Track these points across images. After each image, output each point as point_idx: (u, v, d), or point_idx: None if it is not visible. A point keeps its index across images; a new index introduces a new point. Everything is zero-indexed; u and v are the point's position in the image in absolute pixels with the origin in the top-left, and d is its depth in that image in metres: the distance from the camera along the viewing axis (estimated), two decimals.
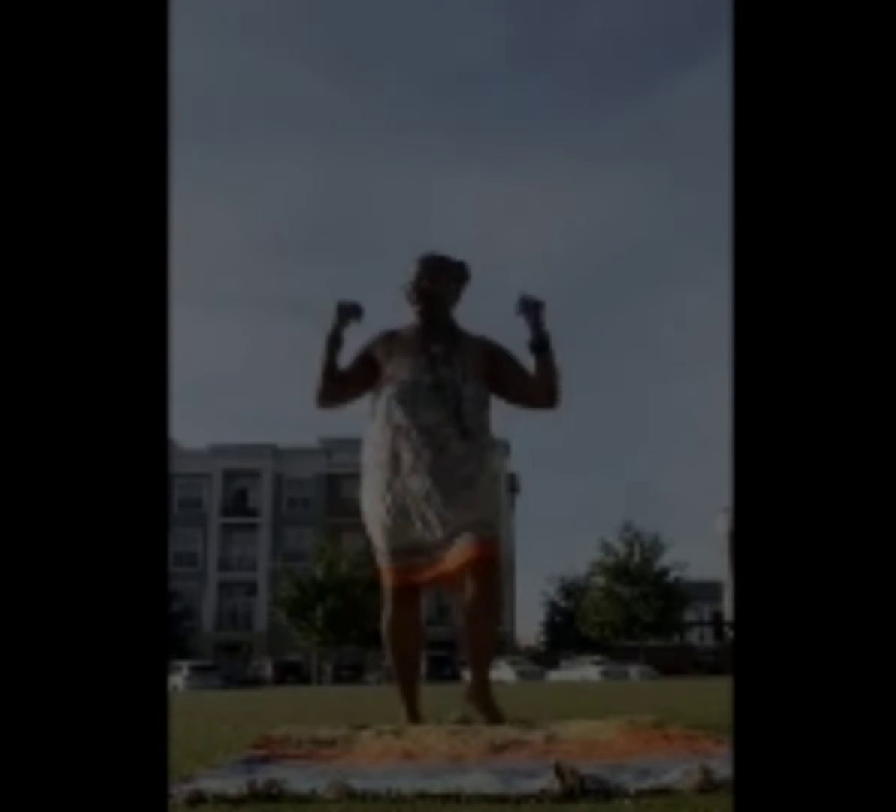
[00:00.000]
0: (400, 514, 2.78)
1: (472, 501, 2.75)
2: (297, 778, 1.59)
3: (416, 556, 2.77)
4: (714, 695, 6.52)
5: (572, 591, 42.91)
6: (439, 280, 3.00)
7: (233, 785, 1.51)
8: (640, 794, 1.42)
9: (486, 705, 2.79)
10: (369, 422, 2.94)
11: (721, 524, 47.02)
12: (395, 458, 2.81)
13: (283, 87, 76.21)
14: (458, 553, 2.70)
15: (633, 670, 33.15)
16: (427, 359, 2.90)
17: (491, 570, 2.75)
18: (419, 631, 2.95)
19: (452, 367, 2.89)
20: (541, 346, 2.89)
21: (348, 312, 2.97)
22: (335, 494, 46.29)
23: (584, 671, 33.76)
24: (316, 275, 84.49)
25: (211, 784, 1.54)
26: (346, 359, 3.01)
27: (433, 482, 2.74)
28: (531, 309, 2.90)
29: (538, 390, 2.91)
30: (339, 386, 2.96)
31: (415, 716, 2.88)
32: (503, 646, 40.82)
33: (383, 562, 2.85)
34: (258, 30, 77.16)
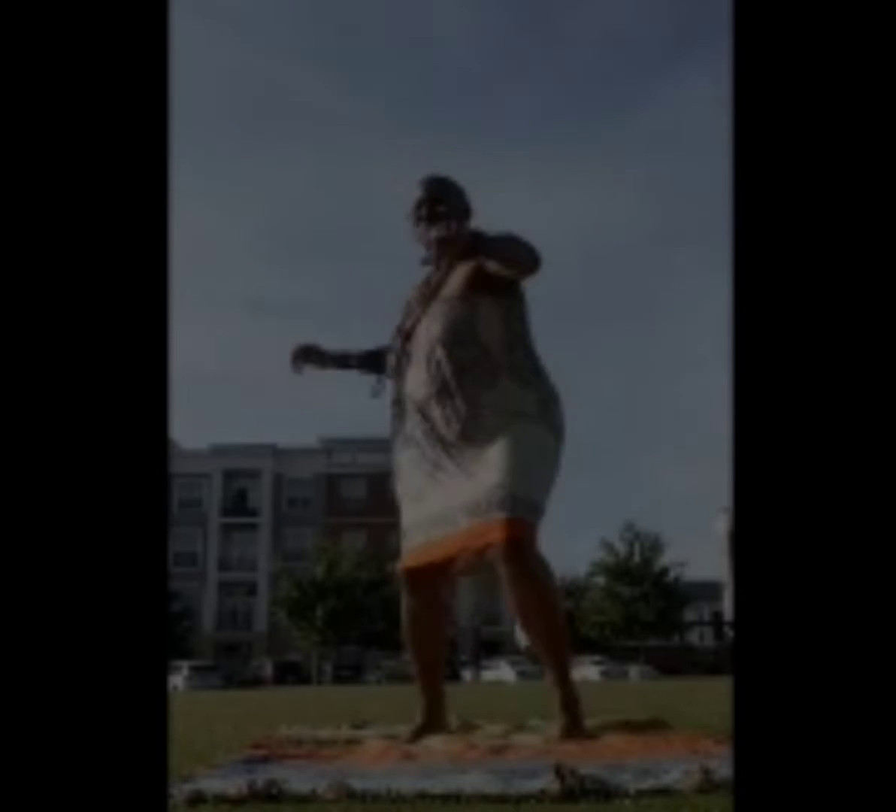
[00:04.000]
0: (403, 493, 2.55)
1: (483, 466, 2.36)
2: (297, 778, 1.59)
3: (416, 538, 2.46)
4: (714, 695, 6.52)
5: (572, 591, 42.90)
6: (449, 201, 2.62)
7: (233, 785, 1.51)
8: (640, 794, 1.42)
9: (575, 715, 2.28)
10: None
11: (721, 524, 47.01)
12: (398, 433, 2.59)
13: (282, 87, 76.26)
14: (468, 535, 2.31)
15: (633, 670, 33.14)
16: (412, 314, 2.60)
17: (522, 554, 2.27)
18: (436, 626, 2.53)
19: (430, 309, 2.55)
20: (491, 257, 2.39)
21: (302, 359, 2.75)
22: (335, 494, 46.29)
23: (585, 671, 33.75)
24: (316, 275, 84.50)
25: (211, 784, 1.54)
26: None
27: (424, 455, 2.49)
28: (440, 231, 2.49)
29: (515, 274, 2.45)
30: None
31: (435, 719, 2.48)
32: (501, 646, 40.77)
33: (404, 541, 2.53)
34: (258, 29, 77.20)
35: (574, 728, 2.25)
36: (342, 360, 2.78)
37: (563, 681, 2.32)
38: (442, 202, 2.59)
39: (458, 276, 2.52)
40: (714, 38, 68.92)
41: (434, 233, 2.54)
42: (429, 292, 2.57)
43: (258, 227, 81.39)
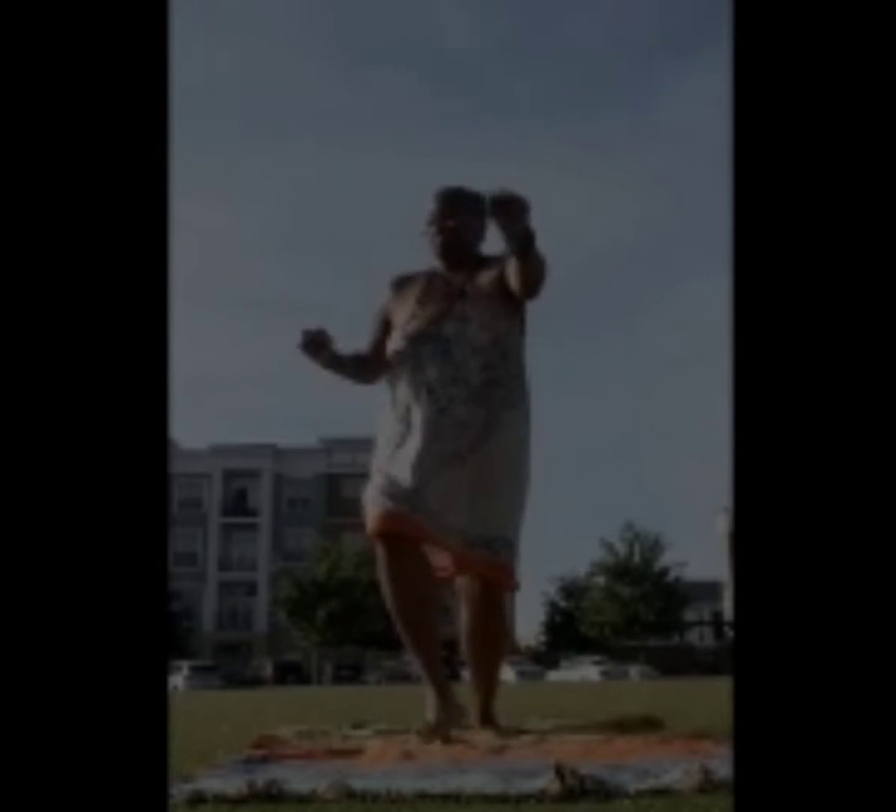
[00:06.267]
0: (401, 467, 2.44)
1: (492, 490, 2.45)
2: (297, 778, 1.59)
3: (413, 510, 2.39)
4: (714, 695, 6.52)
5: (572, 591, 42.90)
6: (459, 214, 2.62)
7: (233, 785, 1.51)
8: (640, 794, 1.42)
9: (491, 717, 2.63)
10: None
11: (721, 524, 47.01)
12: (403, 416, 2.51)
13: (283, 85, 76.27)
14: (479, 563, 2.49)
15: (633, 670, 33.16)
16: (434, 305, 2.56)
17: (506, 595, 2.65)
18: (426, 583, 2.45)
19: (465, 310, 2.53)
20: (523, 248, 2.28)
21: (315, 344, 2.57)
22: (335, 494, 46.25)
23: (584, 671, 33.77)
24: (317, 274, 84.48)
25: (211, 784, 1.54)
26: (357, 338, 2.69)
27: (427, 447, 2.43)
28: (503, 208, 2.19)
29: (518, 287, 2.44)
30: (372, 364, 2.66)
31: (450, 706, 2.36)
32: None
33: (373, 505, 2.42)
34: (258, 27, 77.22)
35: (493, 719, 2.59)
36: (336, 361, 2.65)
37: (493, 691, 2.67)
38: (449, 215, 2.61)
39: (489, 285, 2.56)
40: (717, 33, 68.97)
41: (436, 249, 2.60)
42: (451, 292, 2.58)
43: (260, 225, 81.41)
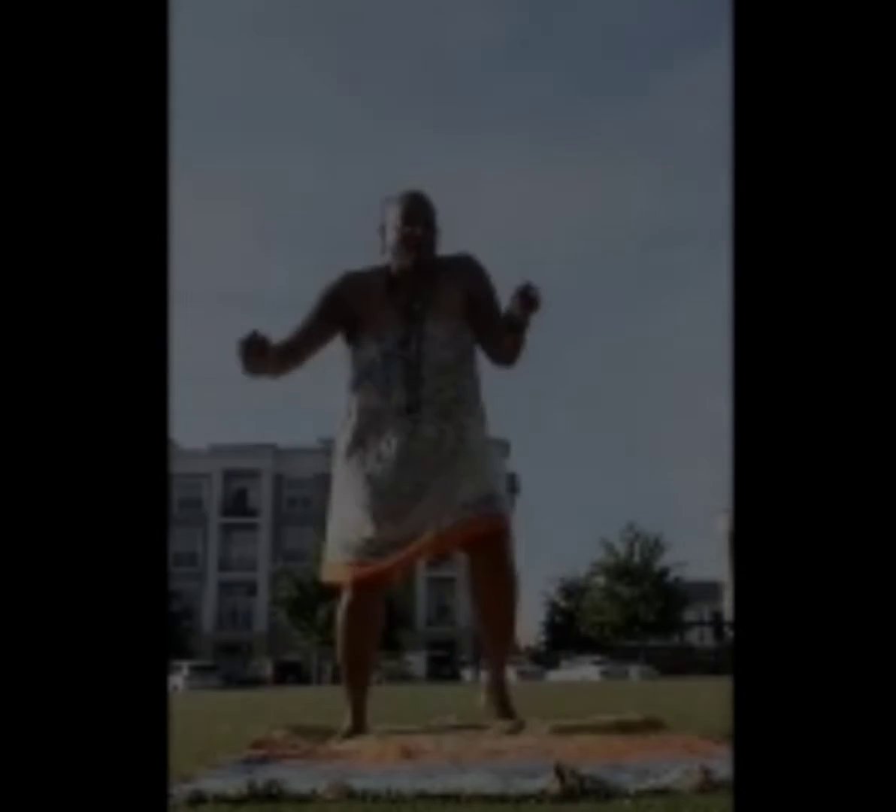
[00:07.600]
0: (363, 507, 2.51)
1: (464, 480, 2.52)
2: (297, 778, 1.59)
3: (379, 550, 2.50)
4: (714, 695, 6.52)
5: (572, 591, 42.91)
6: (432, 224, 2.67)
7: (233, 785, 1.51)
8: (640, 794, 1.42)
9: (504, 700, 2.71)
10: (346, 394, 2.66)
11: (721, 524, 47.02)
12: (361, 445, 2.56)
13: (283, 84, 76.27)
14: (456, 529, 2.48)
15: (633, 670, 33.15)
16: (402, 325, 2.58)
17: (502, 545, 2.55)
18: (376, 623, 2.63)
19: (428, 330, 2.58)
20: (519, 328, 2.45)
21: (256, 351, 2.34)
22: None
23: (584, 671, 33.76)
24: (318, 274, 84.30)
25: (211, 784, 1.54)
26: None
27: (405, 472, 2.50)
28: (531, 301, 2.35)
29: (500, 354, 2.59)
30: (300, 351, 2.58)
31: (361, 724, 2.56)
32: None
33: (336, 556, 2.56)
34: (258, 26, 77.23)
35: (521, 723, 2.49)
36: (263, 365, 2.43)
37: (503, 673, 2.69)
38: (419, 224, 2.64)
39: (451, 303, 2.62)
40: (717, 32, 68.95)
41: (405, 259, 2.59)
42: (414, 310, 2.61)
43: (258, 224, 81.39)
